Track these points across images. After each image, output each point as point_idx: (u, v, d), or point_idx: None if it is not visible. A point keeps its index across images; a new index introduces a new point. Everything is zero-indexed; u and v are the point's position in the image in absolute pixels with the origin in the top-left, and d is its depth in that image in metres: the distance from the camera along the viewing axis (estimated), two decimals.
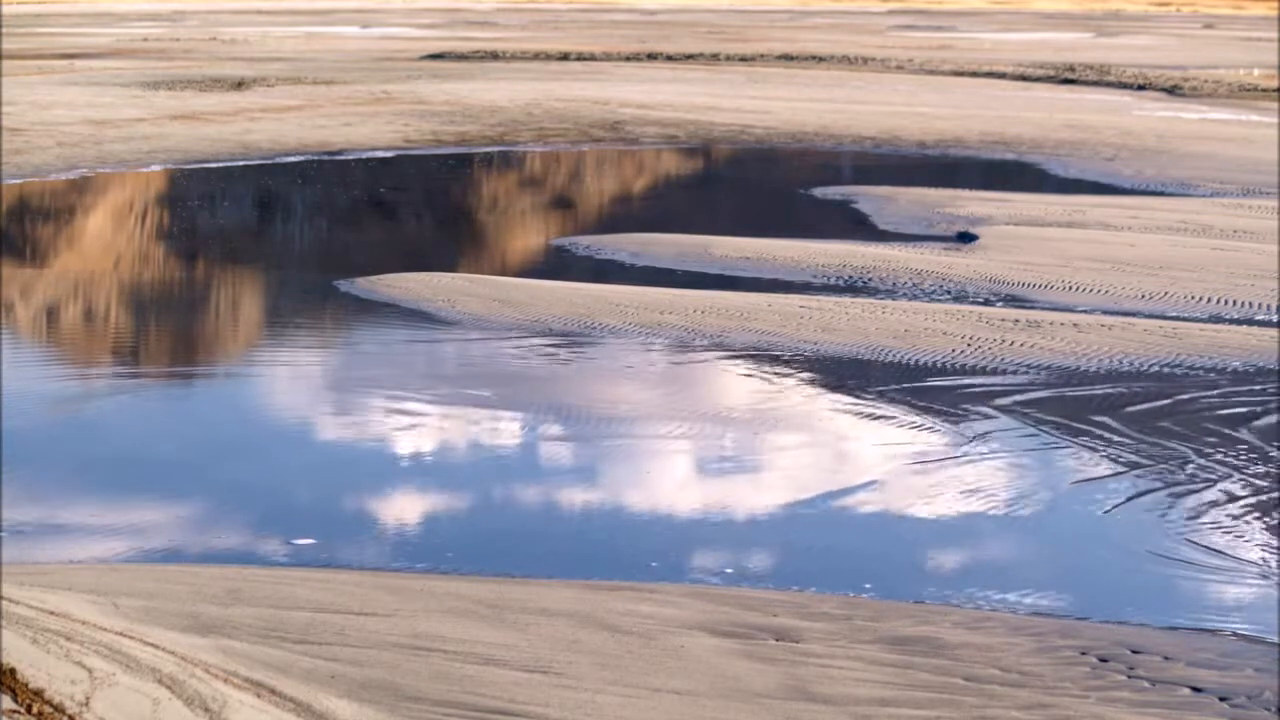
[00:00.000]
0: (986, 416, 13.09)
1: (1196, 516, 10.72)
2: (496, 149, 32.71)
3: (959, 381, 14.21)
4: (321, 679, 7.74)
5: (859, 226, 22.96)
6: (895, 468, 11.83)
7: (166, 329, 17.40)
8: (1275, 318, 16.82)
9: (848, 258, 19.77)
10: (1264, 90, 45.72)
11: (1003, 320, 16.23)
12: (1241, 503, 10.96)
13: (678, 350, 15.40)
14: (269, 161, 29.93)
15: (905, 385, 14.07)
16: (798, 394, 13.92)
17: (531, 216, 25.86)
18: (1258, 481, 11.41)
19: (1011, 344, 15.35)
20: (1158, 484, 11.39)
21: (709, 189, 29.31)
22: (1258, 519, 10.66)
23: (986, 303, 17.43)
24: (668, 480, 11.64)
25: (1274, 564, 9.90)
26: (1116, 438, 12.48)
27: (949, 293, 17.97)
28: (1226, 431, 12.63)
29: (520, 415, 13.15)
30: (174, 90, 40.78)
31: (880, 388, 14.01)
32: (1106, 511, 10.92)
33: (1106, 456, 12.05)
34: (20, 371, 14.81)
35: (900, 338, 15.55)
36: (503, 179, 30.06)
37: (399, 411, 13.40)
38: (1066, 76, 50.54)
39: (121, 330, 17.36)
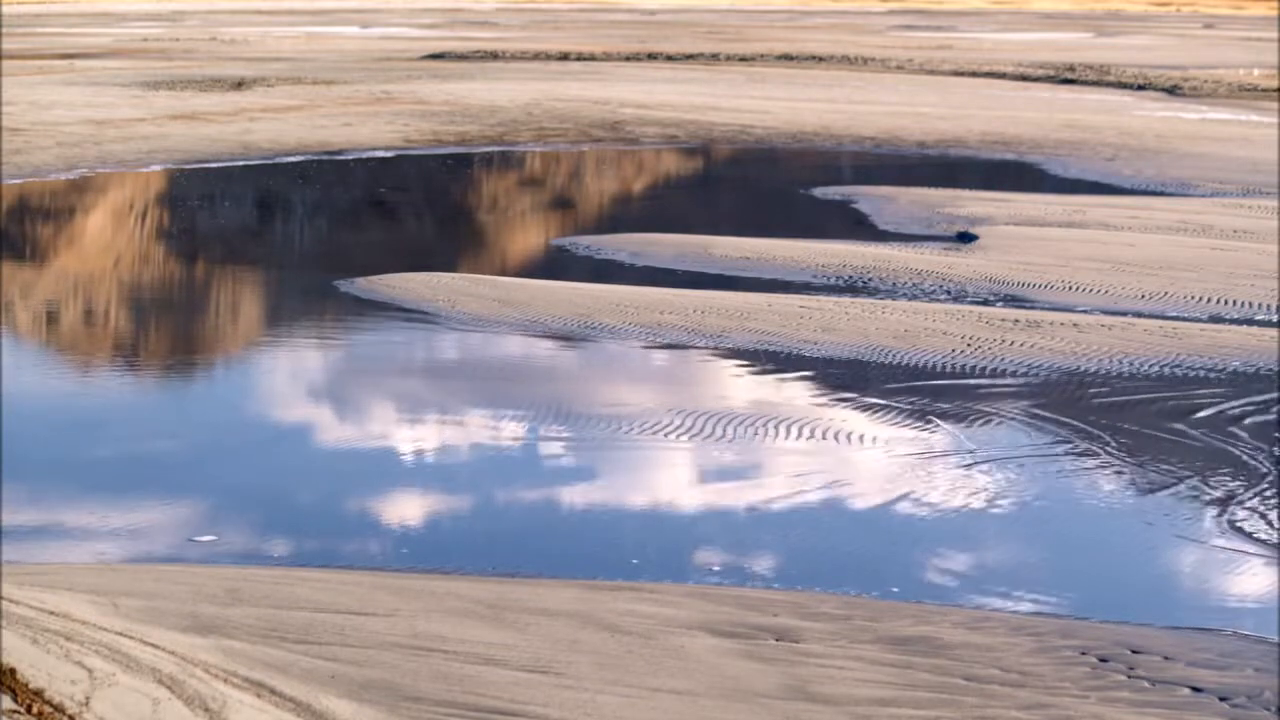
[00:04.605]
0: (986, 416, 13.09)
1: (1196, 516, 10.72)
2: (496, 149, 32.71)
3: (959, 381, 14.21)
4: (321, 679, 7.73)
5: (859, 226, 22.95)
6: (895, 468, 11.83)
7: (166, 329, 17.39)
8: (1275, 318, 16.82)
9: (848, 258, 19.77)
10: (1264, 90, 45.72)
11: (1003, 320, 16.23)
12: (1241, 502, 10.96)
13: (678, 350, 15.40)
14: (269, 161, 29.93)
15: (905, 385, 14.07)
16: (797, 394, 13.92)
17: (531, 216, 25.87)
18: (1258, 481, 11.40)
19: (1011, 344, 15.34)
20: (1158, 484, 11.39)
21: (709, 189, 29.30)
22: (1258, 518, 10.66)
23: (986, 303, 17.43)
24: (668, 480, 11.64)
25: (1274, 563, 9.90)
26: (1116, 438, 12.48)
27: (949, 293, 17.97)
28: (1226, 431, 12.62)
29: (520, 415, 13.14)
30: (174, 90, 40.79)
31: (880, 388, 14.01)
32: (1106, 511, 10.92)
33: (1106, 456, 12.05)
34: (20, 371, 14.81)
35: (900, 338, 15.55)
36: (503, 179, 30.06)
37: (399, 411, 13.41)
38: (1066, 76, 50.54)
39: (121, 330, 17.35)
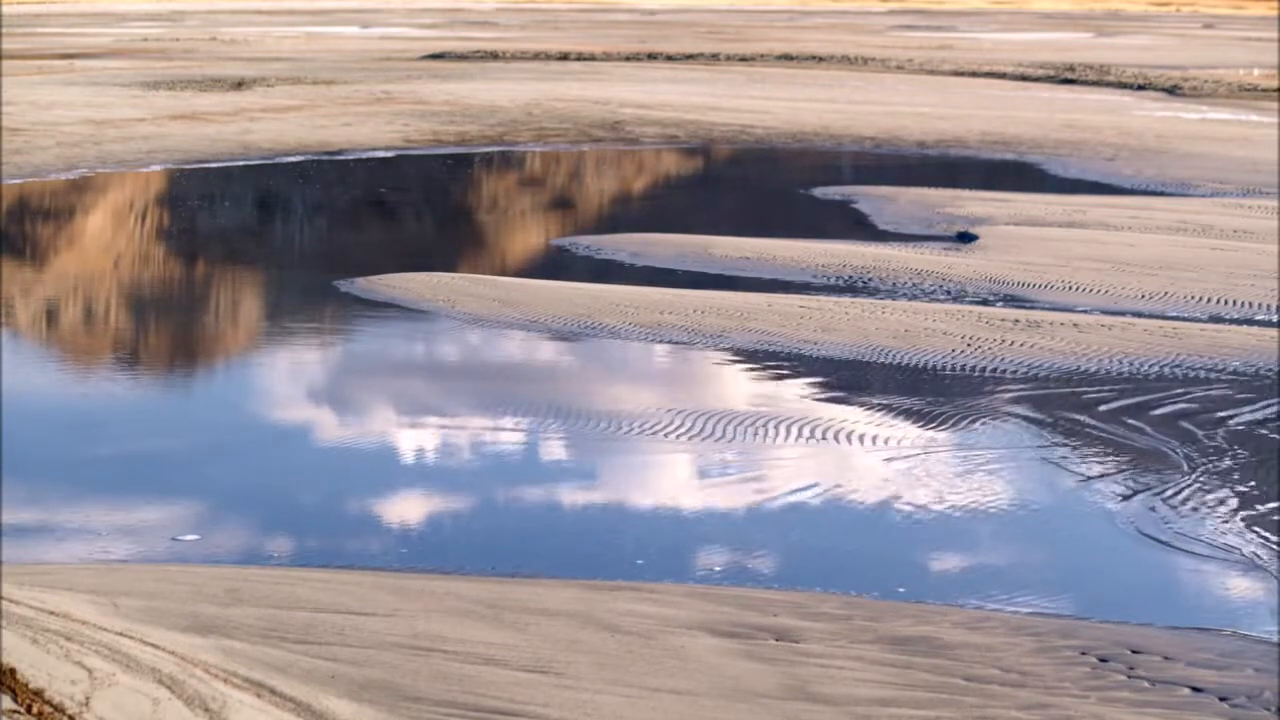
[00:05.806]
0: (986, 416, 13.09)
1: (1196, 516, 10.71)
2: (496, 149, 32.71)
3: (959, 382, 14.21)
4: (321, 679, 7.73)
5: (859, 226, 22.96)
6: (895, 467, 11.82)
7: (166, 329, 17.39)
8: (1275, 318, 16.82)
9: (848, 258, 19.77)
10: (1264, 90, 45.72)
11: (1003, 320, 16.23)
12: (1241, 502, 10.96)
13: (678, 350, 15.40)
14: (269, 161, 29.93)
15: (905, 385, 14.07)
16: (797, 394, 13.91)
17: (531, 216, 25.86)
18: (1257, 481, 11.40)
19: (1011, 344, 15.34)
20: (1158, 483, 11.39)
21: (709, 189, 29.30)
22: (1257, 518, 10.66)
23: (986, 303, 17.43)
24: (668, 480, 11.64)
25: (1272, 562, 9.90)
26: (1116, 438, 12.48)
27: (949, 293, 17.97)
28: (1226, 431, 12.62)
29: (520, 415, 13.14)
30: (174, 90, 40.79)
31: (880, 387, 14.01)
32: (1106, 511, 10.91)
33: (1106, 456, 12.05)
34: (20, 371, 14.81)
35: (900, 338, 15.55)
36: (503, 179, 30.06)
37: (399, 411, 13.41)
38: (1066, 76, 50.54)
39: (121, 330, 17.35)
